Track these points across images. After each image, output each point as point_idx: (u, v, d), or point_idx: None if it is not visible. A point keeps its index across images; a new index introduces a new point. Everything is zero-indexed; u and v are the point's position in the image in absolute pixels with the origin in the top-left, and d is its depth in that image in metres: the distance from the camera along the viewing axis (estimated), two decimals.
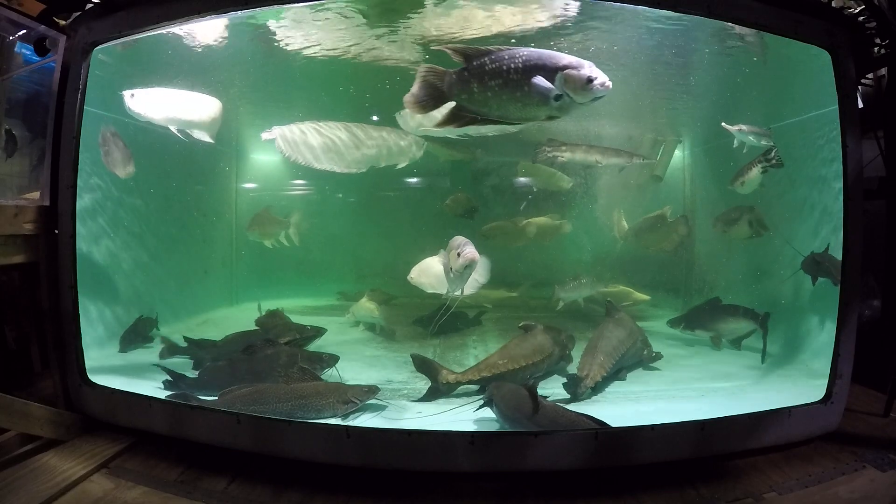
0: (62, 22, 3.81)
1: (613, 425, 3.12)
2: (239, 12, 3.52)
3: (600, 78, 2.46)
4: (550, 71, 2.48)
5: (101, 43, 3.66)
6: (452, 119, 2.65)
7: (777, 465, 3.18)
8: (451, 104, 2.63)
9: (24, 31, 3.66)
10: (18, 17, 3.61)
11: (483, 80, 2.52)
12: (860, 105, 3.91)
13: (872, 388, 4.06)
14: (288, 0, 3.71)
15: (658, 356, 4.47)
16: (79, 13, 3.76)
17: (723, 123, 4.78)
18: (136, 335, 4.75)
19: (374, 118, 5.88)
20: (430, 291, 4.56)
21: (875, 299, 4.34)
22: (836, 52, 3.43)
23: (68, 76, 3.63)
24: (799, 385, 3.92)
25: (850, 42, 3.49)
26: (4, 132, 3.88)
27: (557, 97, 2.49)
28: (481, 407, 3.32)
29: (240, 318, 5.56)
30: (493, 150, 6.69)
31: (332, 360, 4.07)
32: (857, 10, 3.99)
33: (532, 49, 2.52)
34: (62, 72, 3.66)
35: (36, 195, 3.72)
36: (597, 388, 3.78)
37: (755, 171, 4.76)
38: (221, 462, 3.19)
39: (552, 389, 3.72)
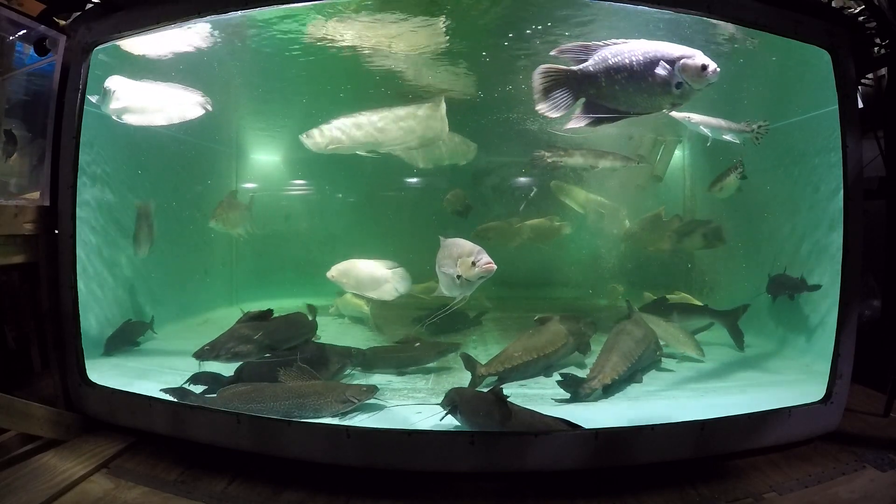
0: (62, 22, 3.81)
1: (613, 425, 3.13)
2: (239, 12, 3.52)
3: (712, 65, 2.58)
4: (669, 61, 2.59)
5: (101, 43, 3.66)
6: (583, 116, 2.72)
7: (777, 465, 3.18)
8: (581, 101, 2.69)
9: (24, 31, 3.66)
10: (18, 17, 3.61)
11: (609, 74, 2.60)
12: (860, 105, 3.91)
13: (872, 388, 4.06)
14: (288, 0, 3.71)
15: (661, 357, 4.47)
16: (79, 13, 3.76)
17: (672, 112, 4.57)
18: (121, 339, 4.62)
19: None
20: (348, 291, 4.71)
21: (875, 299, 4.34)
22: (836, 52, 3.43)
23: (68, 76, 3.63)
24: (799, 385, 3.91)
25: (850, 42, 3.48)
26: (4, 132, 3.88)
27: (678, 85, 2.60)
28: (445, 416, 3.23)
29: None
30: (494, 150, 6.69)
31: (360, 354, 4.13)
32: (857, 10, 4.00)
33: (645, 41, 2.63)
34: (62, 72, 3.66)
35: (36, 195, 3.72)
36: (608, 390, 3.71)
37: (732, 178, 4.86)
38: (221, 462, 3.19)
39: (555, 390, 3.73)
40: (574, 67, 2.65)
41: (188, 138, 5.17)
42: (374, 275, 4.92)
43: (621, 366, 3.82)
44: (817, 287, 4.44)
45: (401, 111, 4.77)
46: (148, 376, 3.97)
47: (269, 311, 3.96)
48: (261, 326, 3.77)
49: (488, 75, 5.59)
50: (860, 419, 3.70)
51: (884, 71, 4.47)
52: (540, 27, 4.43)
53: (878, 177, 4.16)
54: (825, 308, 4.26)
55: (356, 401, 3.37)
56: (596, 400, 3.64)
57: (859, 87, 4.12)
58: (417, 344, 4.41)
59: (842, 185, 3.46)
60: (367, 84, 5.52)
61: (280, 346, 3.77)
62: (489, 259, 3.10)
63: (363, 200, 7.31)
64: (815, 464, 3.18)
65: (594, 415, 3.37)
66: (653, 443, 3.08)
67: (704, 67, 2.57)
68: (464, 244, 3.26)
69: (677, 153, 6.70)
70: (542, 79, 2.65)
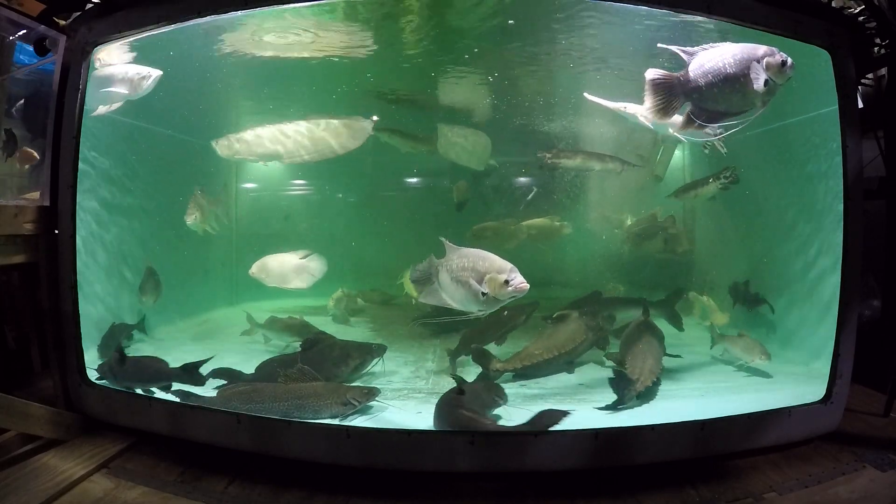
0: (62, 22, 3.81)
1: (613, 426, 3.13)
2: (239, 12, 3.52)
3: (790, 60, 2.73)
4: (756, 61, 2.74)
5: (101, 43, 3.66)
6: (689, 121, 2.85)
7: (777, 465, 3.18)
8: (687, 105, 2.83)
9: (24, 31, 3.66)
10: (18, 17, 3.61)
11: (708, 78, 2.75)
12: (860, 105, 3.91)
13: (872, 388, 4.06)
14: (288, 0, 3.71)
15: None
16: (79, 13, 3.77)
17: (585, 94, 4.23)
18: (109, 346, 4.35)
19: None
20: (270, 286, 4.83)
21: (875, 299, 4.34)
22: (836, 52, 3.43)
23: (68, 76, 3.63)
24: (799, 385, 3.91)
25: (850, 42, 3.48)
26: (4, 132, 3.88)
27: (766, 82, 2.74)
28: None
29: (240, 318, 5.55)
30: (493, 151, 6.68)
31: (380, 350, 4.15)
32: (857, 10, 4.00)
33: (731, 44, 2.79)
34: (62, 72, 3.66)
35: (36, 195, 3.72)
36: (642, 396, 3.60)
37: (712, 188, 4.88)
38: (221, 462, 3.19)
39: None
40: (677, 73, 2.80)
41: (188, 138, 5.17)
42: (289, 266, 5.00)
43: (657, 368, 3.79)
44: (764, 302, 4.82)
45: (321, 123, 4.84)
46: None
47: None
48: None
49: (489, 75, 5.61)
50: (860, 419, 3.70)
51: (884, 71, 4.47)
52: (539, 28, 4.44)
53: (878, 177, 4.16)
54: (825, 308, 4.26)
55: (357, 403, 3.36)
56: (634, 407, 3.54)
57: (859, 87, 4.12)
58: (506, 312, 4.42)
59: (842, 185, 3.46)
60: (368, 85, 5.55)
61: None
62: (523, 279, 2.93)
63: (363, 200, 7.31)
64: (815, 464, 3.18)
65: (594, 414, 3.37)
66: (653, 443, 3.08)
67: (784, 63, 2.72)
68: (493, 259, 3.00)
69: (677, 153, 6.68)
70: (653, 82, 2.80)
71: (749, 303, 5.05)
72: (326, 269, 5.03)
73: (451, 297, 3.12)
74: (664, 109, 2.85)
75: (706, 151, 4.35)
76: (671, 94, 2.83)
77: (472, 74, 5.56)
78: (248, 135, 4.77)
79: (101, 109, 4.03)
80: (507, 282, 2.90)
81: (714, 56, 2.76)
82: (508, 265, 2.96)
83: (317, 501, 2.88)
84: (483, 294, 2.94)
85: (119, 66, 4.08)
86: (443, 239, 3.23)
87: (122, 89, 4.02)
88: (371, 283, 6.71)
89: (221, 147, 4.88)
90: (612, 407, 3.44)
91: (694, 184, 5.11)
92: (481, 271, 2.95)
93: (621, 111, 4.09)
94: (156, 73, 4.05)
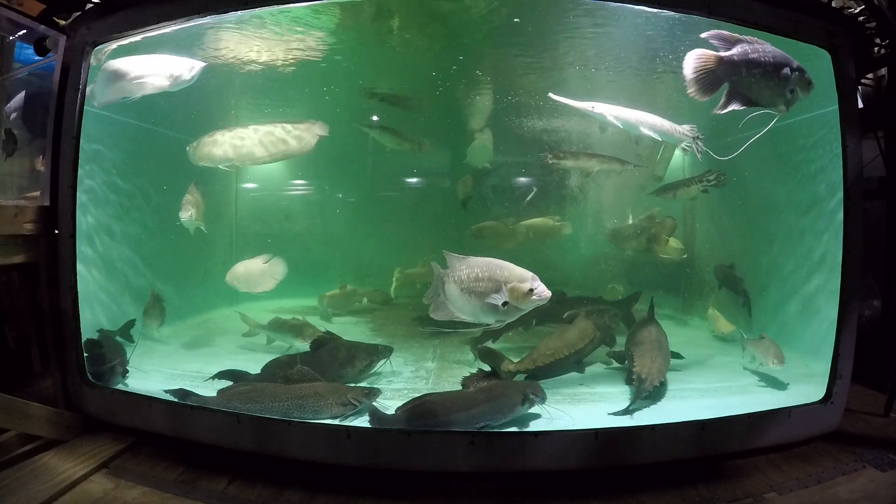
0: (62, 22, 3.81)
1: (614, 426, 3.12)
2: (239, 12, 3.52)
3: (814, 83, 3.04)
4: (790, 67, 2.97)
5: (101, 43, 3.66)
6: (728, 101, 2.96)
7: (777, 465, 3.18)
8: (725, 87, 2.94)
9: (24, 31, 3.66)
10: (18, 17, 3.61)
11: (749, 66, 2.90)
12: (860, 105, 3.91)
13: (872, 388, 4.06)
14: (288, 0, 3.71)
15: None
16: (79, 13, 3.76)
17: (550, 94, 4.08)
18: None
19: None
20: (243, 291, 5.00)
21: (875, 299, 4.34)
22: (836, 52, 3.43)
23: (68, 76, 3.63)
24: (799, 385, 3.91)
25: (850, 42, 3.49)
26: (4, 132, 3.88)
27: (791, 91, 2.98)
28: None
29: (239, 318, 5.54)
30: (493, 151, 6.69)
31: (387, 351, 4.16)
32: (857, 10, 3.99)
33: (771, 46, 2.98)
34: (62, 72, 3.66)
35: (36, 195, 3.72)
36: (652, 395, 3.57)
37: (694, 189, 4.91)
38: (221, 462, 3.19)
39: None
40: (722, 53, 2.88)
41: (187, 137, 5.15)
42: (253, 271, 5.08)
43: (665, 367, 3.77)
44: (743, 289, 4.93)
45: (278, 128, 4.81)
46: (148, 376, 3.96)
47: None
48: None
49: (488, 76, 5.61)
50: (860, 419, 3.70)
51: (884, 71, 4.47)
52: (539, 29, 4.44)
53: (878, 177, 4.16)
54: (824, 308, 4.26)
55: (357, 403, 3.36)
56: (646, 406, 3.51)
57: (859, 87, 4.12)
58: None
59: (842, 185, 3.46)
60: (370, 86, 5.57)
61: None
62: (545, 287, 2.85)
63: (363, 200, 7.31)
64: (815, 464, 3.18)
65: (594, 414, 3.37)
66: (653, 443, 3.08)
67: (810, 83, 3.00)
68: (511, 267, 2.88)
69: (677, 153, 6.68)
70: (695, 61, 2.88)
71: (732, 286, 5.12)
72: (286, 269, 5.10)
73: (461, 309, 3.00)
74: (706, 87, 2.93)
75: (699, 158, 4.36)
76: (711, 72, 2.90)
77: (472, 75, 5.57)
78: (211, 139, 4.80)
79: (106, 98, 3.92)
80: (531, 290, 2.81)
81: (758, 49, 2.90)
82: (528, 273, 2.87)
83: (317, 501, 2.88)
84: (504, 304, 2.83)
85: (157, 57, 3.98)
86: (445, 252, 3.07)
87: (159, 81, 3.92)
88: (371, 283, 6.71)
89: (195, 151, 4.86)
90: (626, 411, 3.37)
91: (675, 184, 5.13)
92: (500, 280, 2.83)
93: (588, 111, 3.98)
94: (200, 64, 3.98)
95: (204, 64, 4.01)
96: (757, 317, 5.07)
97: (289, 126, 4.76)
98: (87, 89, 3.71)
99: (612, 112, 3.98)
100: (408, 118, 6.15)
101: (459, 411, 3.16)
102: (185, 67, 3.94)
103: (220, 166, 4.73)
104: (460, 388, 3.62)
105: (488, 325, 3.02)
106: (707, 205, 6.20)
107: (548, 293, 2.83)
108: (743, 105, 2.96)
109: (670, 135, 4.08)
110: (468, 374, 3.77)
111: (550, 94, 4.04)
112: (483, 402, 3.21)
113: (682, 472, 3.08)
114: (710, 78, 2.92)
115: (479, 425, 3.11)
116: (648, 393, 3.51)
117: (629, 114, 4.00)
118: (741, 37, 2.93)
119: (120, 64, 3.86)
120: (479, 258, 2.97)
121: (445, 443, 3.03)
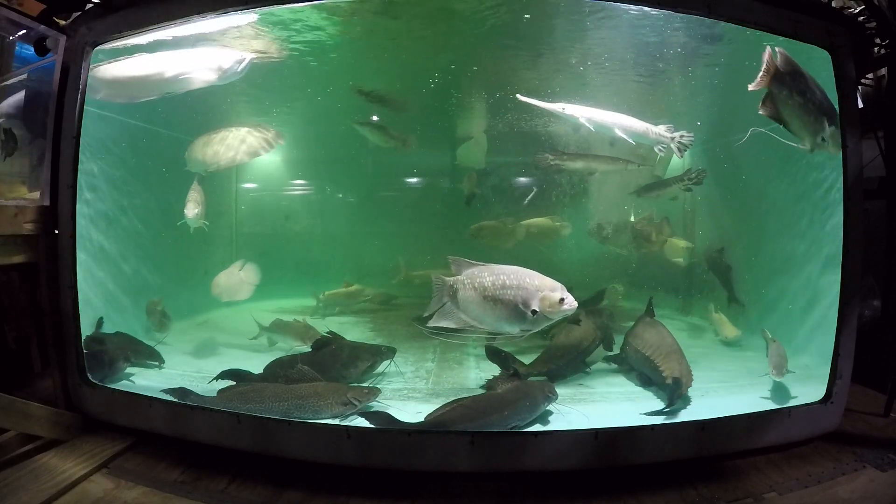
0: (62, 22, 3.81)
1: (614, 426, 3.12)
2: (239, 12, 3.52)
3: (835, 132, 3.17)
4: (830, 118, 3.07)
5: (101, 43, 3.65)
6: (762, 104, 2.99)
7: (777, 465, 3.18)
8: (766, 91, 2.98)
9: (24, 31, 3.66)
10: (18, 17, 3.60)
11: (791, 91, 2.98)
12: (860, 105, 3.91)
13: (872, 388, 4.06)
14: (288, 0, 3.71)
15: None
16: (79, 13, 3.76)
17: (519, 95, 3.99)
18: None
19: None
20: (225, 301, 5.04)
21: (875, 299, 4.34)
22: (836, 52, 3.43)
23: (68, 76, 3.63)
24: (799, 385, 3.91)
25: (850, 42, 3.48)
26: (4, 132, 3.87)
27: (822, 139, 3.08)
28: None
29: (240, 318, 5.54)
30: (493, 151, 6.69)
31: (391, 352, 4.17)
32: (857, 10, 3.99)
33: (824, 91, 3.10)
34: (62, 72, 3.66)
35: (36, 195, 3.72)
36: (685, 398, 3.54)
37: (675, 189, 5.00)
38: (221, 462, 3.19)
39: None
40: (779, 63, 2.96)
41: (187, 137, 5.15)
42: (232, 280, 5.13)
43: (689, 368, 3.74)
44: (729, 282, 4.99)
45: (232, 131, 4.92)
46: (148, 376, 3.96)
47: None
48: None
49: (488, 77, 5.61)
50: (860, 419, 3.70)
51: (884, 71, 4.47)
52: (539, 31, 4.44)
53: (878, 177, 4.16)
54: (824, 308, 4.26)
55: (357, 403, 3.36)
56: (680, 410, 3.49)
57: (859, 87, 4.12)
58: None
59: (842, 185, 3.46)
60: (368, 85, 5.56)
61: None
62: (572, 297, 2.85)
63: (363, 200, 7.32)
64: (815, 464, 3.18)
65: (594, 414, 3.37)
66: (653, 443, 3.09)
67: (840, 146, 3.23)
68: (541, 276, 2.86)
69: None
70: (769, 65, 2.93)
71: (720, 272, 5.18)
72: (260, 273, 5.15)
73: (479, 317, 2.90)
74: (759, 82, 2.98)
75: (679, 157, 4.41)
76: (772, 82, 2.96)
77: (471, 74, 5.57)
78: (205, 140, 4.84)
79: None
80: (561, 300, 2.79)
81: (806, 78, 2.99)
82: (557, 283, 2.86)
83: (317, 501, 2.88)
84: (534, 312, 2.79)
85: (203, 50, 3.95)
86: (454, 258, 3.01)
87: (207, 76, 3.87)
88: (371, 283, 6.71)
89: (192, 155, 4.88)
90: (665, 411, 3.36)
91: (657, 184, 5.17)
92: (531, 290, 2.79)
93: (559, 112, 3.90)
94: (249, 55, 3.93)
95: (253, 55, 3.95)
96: (757, 317, 5.07)
97: (243, 130, 4.85)
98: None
99: (584, 113, 3.89)
100: (408, 118, 6.15)
101: (492, 413, 3.15)
102: (234, 59, 3.90)
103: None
104: (483, 390, 3.71)
105: (509, 334, 2.95)
106: (707, 205, 6.21)
107: (576, 303, 2.83)
108: (770, 115, 2.99)
109: (645, 136, 4.05)
110: (492, 377, 3.80)
111: (518, 96, 3.96)
112: (513, 402, 3.23)
113: (682, 472, 3.08)
114: (765, 77, 2.98)
115: (510, 425, 3.14)
116: (682, 394, 3.49)
117: (602, 115, 3.92)
118: (803, 69, 3.01)
119: (160, 59, 3.82)
120: (501, 265, 2.92)
121: (445, 443, 3.03)
